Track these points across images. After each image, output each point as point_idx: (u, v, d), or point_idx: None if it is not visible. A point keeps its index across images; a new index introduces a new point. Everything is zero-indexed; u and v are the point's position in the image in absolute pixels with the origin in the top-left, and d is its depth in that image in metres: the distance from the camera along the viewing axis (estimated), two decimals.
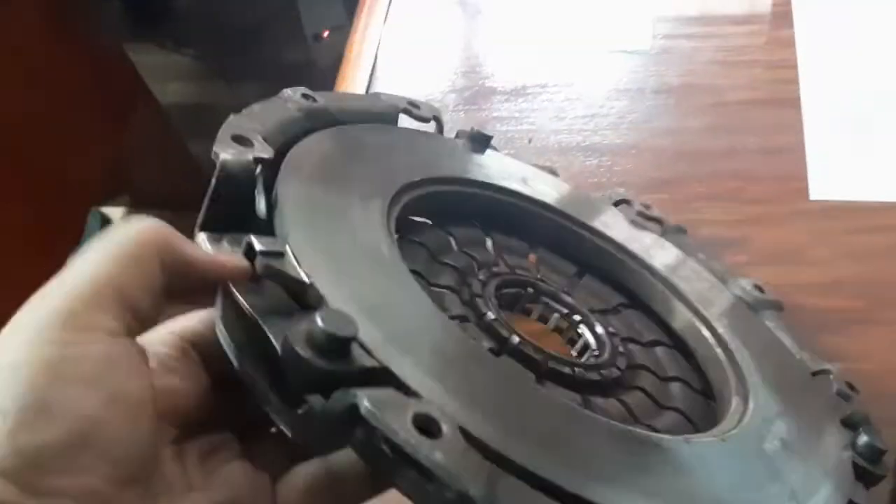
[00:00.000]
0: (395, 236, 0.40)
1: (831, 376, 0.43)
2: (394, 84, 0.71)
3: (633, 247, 0.48)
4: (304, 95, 0.45)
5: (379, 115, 0.49)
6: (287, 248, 0.32)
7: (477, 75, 0.73)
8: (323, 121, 0.44)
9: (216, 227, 0.34)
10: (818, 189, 0.58)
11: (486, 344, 0.38)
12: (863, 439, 0.40)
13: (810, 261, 0.55)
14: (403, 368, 0.29)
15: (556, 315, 0.46)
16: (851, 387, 0.43)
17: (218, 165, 0.34)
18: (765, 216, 0.58)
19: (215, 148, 0.34)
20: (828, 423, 0.41)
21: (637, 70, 0.71)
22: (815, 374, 0.44)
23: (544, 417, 0.32)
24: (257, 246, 0.31)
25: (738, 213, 0.59)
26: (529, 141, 0.66)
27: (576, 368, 0.39)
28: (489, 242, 0.47)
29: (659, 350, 0.46)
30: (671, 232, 0.52)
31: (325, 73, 1.91)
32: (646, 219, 0.52)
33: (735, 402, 0.40)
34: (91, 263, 0.28)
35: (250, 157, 0.35)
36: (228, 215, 0.34)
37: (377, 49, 0.74)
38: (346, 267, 0.34)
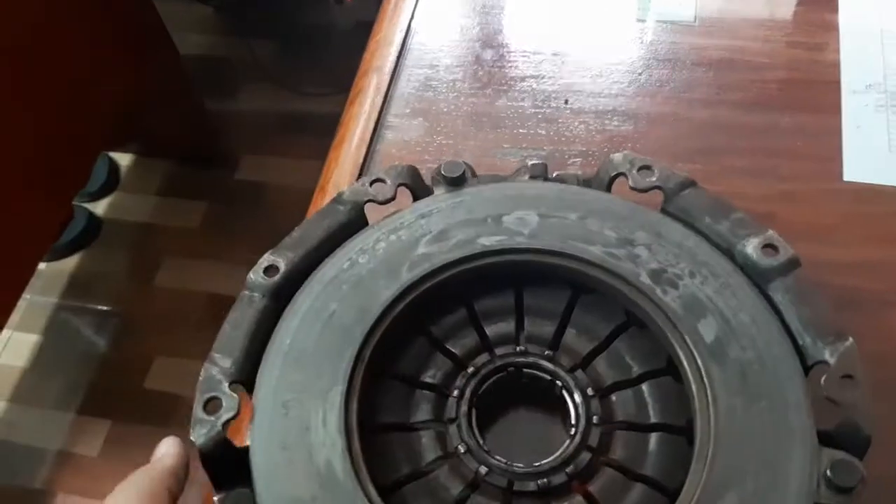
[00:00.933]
0: (362, 392, 0.44)
1: (824, 377, 0.41)
2: (432, 39, 0.71)
3: (620, 256, 0.46)
4: (267, 270, 0.47)
5: (344, 226, 0.49)
6: None
7: (517, 35, 0.72)
8: (290, 289, 0.47)
9: (225, 485, 0.41)
10: (852, 171, 0.58)
11: (456, 489, 0.43)
12: (833, 462, 0.38)
13: (838, 241, 0.55)
14: None
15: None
16: (850, 377, 0.40)
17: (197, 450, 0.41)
18: (797, 194, 0.58)
19: (190, 434, 0.41)
20: (799, 450, 0.39)
21: (679, 41, 0.69)
22: (811, 366, 0.42)
23: None
24: None
25: (770, 189, 0.59)
26: (566, 102, 0.66)
27: (540, 481, 0.42)
28: (472, 325, 0.49)
29: (647, 386, 0.46)
30: (676, 193, 0.48)
31: (343, 37, 1.82)
32: (643, 191, 0.49)
33: (694, 470, 0.40)
34: None
35: (219, 426, 0.41)
36: (229, 470, 0.41)
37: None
38: None
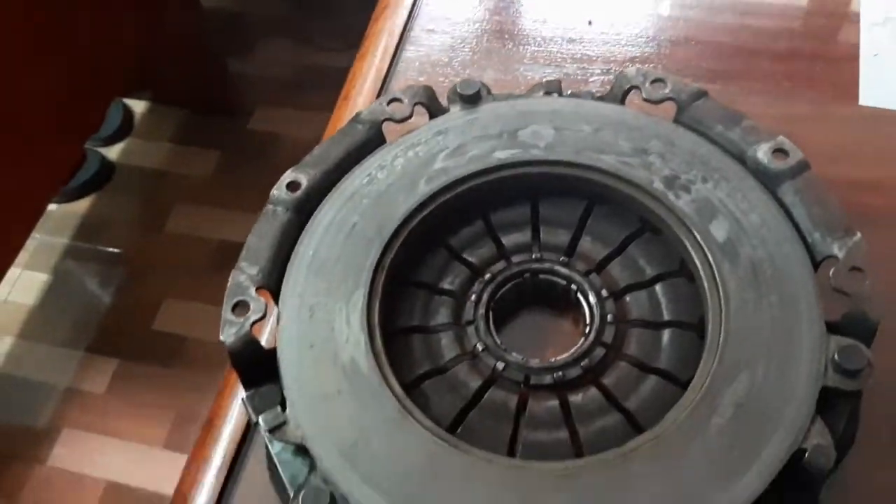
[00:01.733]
0: (386, 294, 0.46)
1: (832, 270, 0.42)
2: None
3: (634, 164, 0.47)
4: (290, 185, 0.49)
5: (363, 144, 0.51)
6: (286, 414, 0.41)
7: None
8: (311, 204, 0.49)
9: (254, 383, 0.43)
10: (868, 96, 0.59)
11: (475, 383, 0.45)
12: (841, 348, 0.40)
13: (852, 161, 0.56)
14: None
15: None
16: (859, 269, 0.42)
17: (226, 349, 0.43)
18: (813, 116, 0.59)
19: (220, 335, 0.43)
20: (808, 338, 0.41)
21: None
22: (820, 261, 0.43)
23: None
24: (263, 427, 0.41)
25: (788, 111, 0.60)
26: (590, 23, 0.66)
27: (556, 374, 0.44)
28: (489, 235, 0.51)
29: (660, 287, 0.48)
30: (689, 104, 0.49)
31: None
32: (656, 103, 0.50)
33: (705, 359, 0.41)
34: None
35: (248, 326, 0.43)
36: (257, 370, 0.43)
37: None
38: (331, 409, 0.41)
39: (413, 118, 0.51)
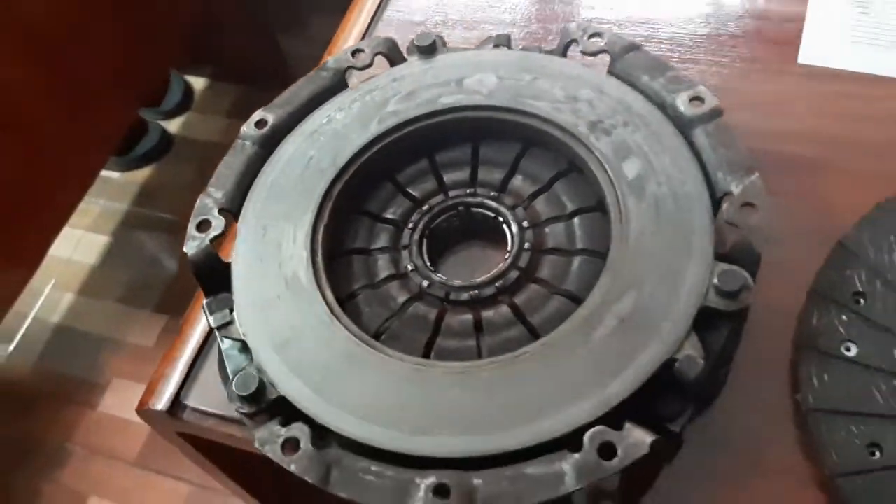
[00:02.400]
0: (333, 219, 0.52)
1: (726, 205, 0.46)
2: None
3: (563, 110, 0.52)
4: (258, 123, 0.55)
5: (327, 89, 0.57)
6: (233, 315, 0.47)
7: None
8: (276, 140, 0.55)
9: (213, 291, 0.49)
10: (807, 54, 0.62)
11: (402, 298, 0.51)
12: (721, 272, 0.43)
13: (785, 114, 0.59)
14: (296, 394, 0.44)
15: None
16: (751, 204, 0.45)
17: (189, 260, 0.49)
18: (753, 71, 0.62)
19: (184, 247, 0.50)
20: (695, 264, 0.44)
21: None
22: (720, 198, 0.47)
23: (389, 394, 0.44)
24: (212, 322, 0.47)
25: (730, 66, 0.63)
26: None
27: (472, 292, 0.50)
28: (432, 173, 0.56)
29: (578, 220, 0.52)
30: (621, 56, 0.53)
31: None
32: (592, 55, 0.54)
33: (601, 280, 0.46)
34: None
35: (208, 241, 0.49)
36: (217, 280, 0.49)
37: None
38: (270, 312, 0.48)
39: (375, 68, 0.57)
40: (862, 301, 0.48)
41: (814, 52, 0.61)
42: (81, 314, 1.68)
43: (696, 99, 0.50)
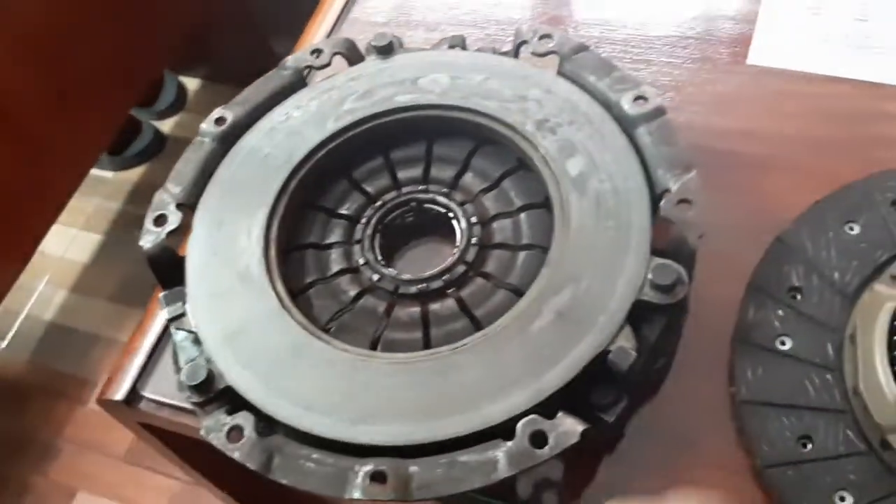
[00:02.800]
0: (287, 216, 0.53)
1: (663, 201, 0.47)
2: None
3: (512, 109, 0.53)
4: (217, 120, 0.57)
5: (286, 88, 0.58)
6: (186, 307, 0.49)
7: None
8: (235, 137, 0.56)
9: (169, 285, 0.51)
10: (758, 55, 0.63)
11: (353, 291, 0.52)
12: (656, 266, 0.45)
13: (732, 112, 0.60)
14: (243, 384, 0.46)
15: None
16: (687, 201, 0.46)
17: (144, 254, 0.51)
18: (704, 70, 0.63)
19: (140, 240, 0.51)
20: (632, 258, 0.46)
21: None
22: (661, 194, 0.48)
23: (332, 384, 0.46)
24: (166, 315, 0.49)
25: (682, 67, 0.63)
26: None
27: (420, 285, 0.51)
28: (387, 170, 0.57)
29: (525, 216, 0.53)
30: (570, 55, 0.54)
31: None
32: (542, 56, 0.55)
33: (541, 274, 0.47)
34: None
35: (164, 235, 0.51)
36: (173, 274, 0.51)
37: None
38: (222, 304, 0.49)
39: (334, 67, 0.58)
40: (798, 296, 0.49)
41: (764, 52, 0.62)
42: (74, 311, 1.70)
43: (640, 98, 0.51)
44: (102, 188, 1.81)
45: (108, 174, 1.85)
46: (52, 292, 1.72)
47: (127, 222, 1.80)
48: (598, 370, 0.44)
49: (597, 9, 0.68)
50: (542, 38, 0.56)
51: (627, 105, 0.51)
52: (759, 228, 0.52)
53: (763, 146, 0.57)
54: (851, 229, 0.50)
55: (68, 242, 1.78)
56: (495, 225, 0.53)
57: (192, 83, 1.97)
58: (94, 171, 1.62)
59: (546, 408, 0.42)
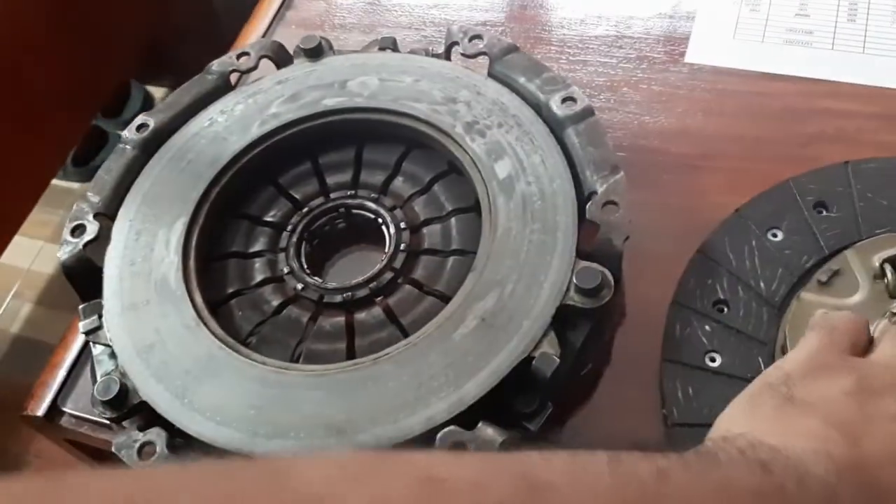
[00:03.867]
0: (205, 226, 0.52)
1: (589, 203, 0.46)
2: None
3: (442, 112, 0.52)
4: (139, 127, 0.55)
5: (211, 93, 0.57)
6: (102, 320, 0.48)
7: None
8: (157, 145, 0.55)
9: (88, 297, 0.49)
10: (695, 53, 0.62)
11: (276, 302, 0.50)
12: (581, 269, 0.44)
13: (667, 111, 0.59)
14: (157, 398, 0.44)
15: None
16: (614, 203, 0.45)
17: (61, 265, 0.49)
18: (641, 71, 0.62)
19: (57, 253, 0.50)
20: (557, 262, 0.45)
21: None
22: (588, 196, 0.47)
23: (247, 398, 0.44)
24: (81, 328, 0.48)
25: (618, 67, 0.62)
26: None
27: (346, 294, 0.49)
28: (315, 175, 0.55)
29: (455, 221, 0.52)
30: (501, 57, 0.53)
31: None
32: (472, 57, 0.55)
33: (467, 279, 0.46)
34: None
35: (80, 246, 0.49)
36: (91, 285, 0.49)
37: None
38: (138, 316, 0.47)
39: (261, 71, 0.56)
40: (725, 309, 0.47)
41: (701, 50, 0.61)
42: (40, 324, 1.67)
43: (569, 99, 0.50)
44: (69, 199, 1.78)
45: (75, 185, 1.82)
46: (19, 305, 1.69)
47: None
48: (521, 377, 0.42)
49: (533, 9, 0.67)
50: (472, 38, 0.54)
51: (556, 106, 0.50)
52: (693, 229, 0.50)
53: (698, 146, 0.56)
54: (775, 236, 0.49)
55: (34, 255, 1.75)
56: (425, 230, 0.51)
57: (159, 92, 1.95)
58: (61, 183, 1.59)
59: (467, 417, 0.41)
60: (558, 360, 0.42)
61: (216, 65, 0.57)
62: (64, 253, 0.49)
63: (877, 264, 0.46)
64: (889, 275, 0.45)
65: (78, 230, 0.50)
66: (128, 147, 0.53)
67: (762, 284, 0.47)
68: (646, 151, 0.55)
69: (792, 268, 0.47)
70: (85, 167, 1.80)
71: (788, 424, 0.34)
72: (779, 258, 0.48)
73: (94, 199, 0.51)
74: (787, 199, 0.50)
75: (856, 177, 0.50)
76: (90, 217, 0.50)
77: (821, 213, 0.50)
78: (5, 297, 1.69)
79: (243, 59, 0.57)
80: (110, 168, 0.53)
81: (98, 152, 1.81)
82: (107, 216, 0.51)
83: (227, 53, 0.57)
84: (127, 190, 0.52)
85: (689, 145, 0.56)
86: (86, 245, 0.49)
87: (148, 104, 1.92)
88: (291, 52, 0.57)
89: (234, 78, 0.56)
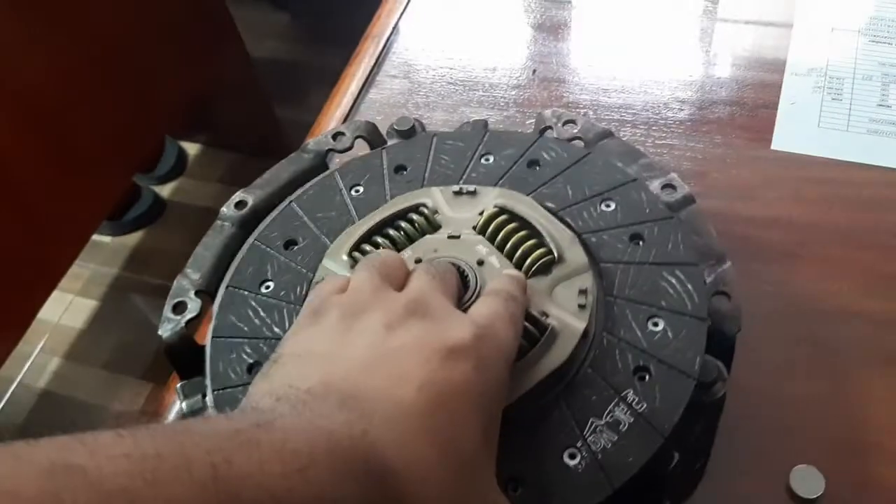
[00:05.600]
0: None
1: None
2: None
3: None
4: (237, 204, 0.56)
5: (307, 171, 0.57)
6: (206, 401, 0.47)
7: None
8: (255, 222, 0.55)
9: (188, 374, 0.49)
10: (780, 141, 0.63)
11: None
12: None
13: (758, 199, 0.60)
14: None
15: None
16: (724, 293, 0.46)
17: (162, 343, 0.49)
18: (727, 156, 0.63)
19: (159, 329, 0.49)
20: None
21: None
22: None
23: None
24: (184, 408, 0.47)
25: (704, 152, 0.64)
26: (534, 72, 0.72)
27: None
28: None
29: None
30: (596, 142, 0.54)
31: None
32: (567, 141, 0.55)
33: None
34: None
35: (183, 323, 0.49)
36: (191, 362, 0.49)
37: None
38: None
39: (356, 150, 0.58)
40: None
41: (787, 138, 0.62)
42: (68, 379, 1.66)
43: (668, 187, 0.51)
44: (100, 253, 1.80)
45: (107, 239, 1.84)
46: (47, 359, 1.69)
47: (124, 288, 1.78)
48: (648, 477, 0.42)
49: (618, 92, 0.68)
50: (566, 123, 0.55)
51: (657, 194, 0.51)
52: (791, 319, 0.50)
53: (789, 234, 0.57)
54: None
55: (64, 308, 1.75)
56: None
57: (192, 148, 1.97)
58: (93, 236, 1.61)
59: None
60: (677, 457, 0.42)
61: (312, 144, 0.58)
62: (165, 330, 0.49)
63: None
64: None
65: (179, 307, 0.50)
66: (226, 224, 0.54)
67: None
68: (736, 239, 0.55)
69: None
70: (118, 221, 1.82)
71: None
72: None
73: (194, 276, 0.52)
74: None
75: None
76: (191, 294, 0.51)
77: None
78: (32, 352, 1.68)
79: (339, 138, 0.58)
80: (209, 245, 0.53)
81: (130, 207, 1.83)
82: (207, 293, 0.51)
83: (323, 133, 0.58)
84: (227, 267, 0.53)
85: (778, 233, 0.57)
86: (188, 322, 0.49)
87: (182, 160, 1.95)
88: (384, 132, 0.59)
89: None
